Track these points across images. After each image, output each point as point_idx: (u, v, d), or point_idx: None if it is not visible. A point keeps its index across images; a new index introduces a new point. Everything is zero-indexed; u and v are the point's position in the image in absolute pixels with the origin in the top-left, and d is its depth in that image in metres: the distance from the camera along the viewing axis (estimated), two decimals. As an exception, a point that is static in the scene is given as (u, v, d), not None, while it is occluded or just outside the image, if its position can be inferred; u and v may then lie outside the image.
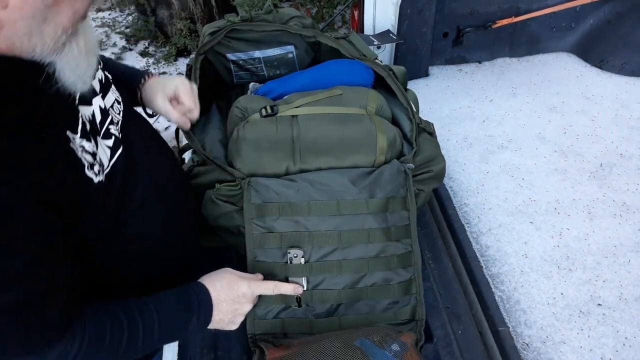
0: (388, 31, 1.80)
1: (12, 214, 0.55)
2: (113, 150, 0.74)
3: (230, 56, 1.35)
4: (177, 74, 3.69)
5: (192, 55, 1.34)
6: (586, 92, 1.83)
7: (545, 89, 1.86)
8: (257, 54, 1.36)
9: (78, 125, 0.66)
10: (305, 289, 1.00)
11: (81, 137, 0.66)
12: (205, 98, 1.33)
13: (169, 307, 0.79)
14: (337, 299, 1.02)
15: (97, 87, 0.76)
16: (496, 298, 1.16)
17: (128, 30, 4.12)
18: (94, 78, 0.74)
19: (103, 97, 0.76)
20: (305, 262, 1.01)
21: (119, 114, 0.80)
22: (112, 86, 0.81)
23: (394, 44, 1.82)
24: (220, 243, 1.14)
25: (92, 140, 0.69)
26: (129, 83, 1.02)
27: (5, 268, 0.56)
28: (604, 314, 1.14)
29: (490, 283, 1.19)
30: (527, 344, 1.09)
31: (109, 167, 0.72)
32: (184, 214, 0.97)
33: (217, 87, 1.39)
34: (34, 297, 0.60)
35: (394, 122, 1.24)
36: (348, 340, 0.88)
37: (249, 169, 1.06)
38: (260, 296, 1.00)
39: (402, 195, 1.07)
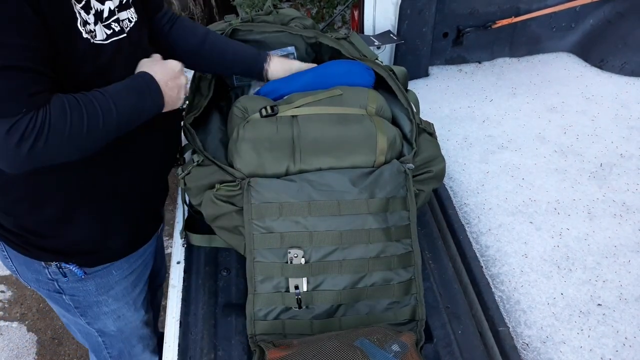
0: (388, 31, 1.80)
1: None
2: (110, 36, 0.88)
3: (230, 57, 1.35)
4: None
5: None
6: (586, 92, 1.83)
7: (545, 89, 1.85)
8: (258, 54, 1.35)
9: None
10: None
11: (82, 7, 0.82)
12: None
13: (121, 92, 0.89)
14: (337, 300, 1.02)
15: (117, 2, 0.91)
16: (496, 298, 1.16)
17: (128, 30, 4.11)
18: None
19: (118, 9, 0.91)
20: (305, 262, 1.01)
21: (126, 28, 0.93)
22: (132, 9, 0.96)
23: (394, 44, 1.82)
24: (220, 244, 1.14)
25: (92, 17, 0.84)
26: (247, 64, 1.26)
27: None
28: (604, 314, 1.15)
29: (490, 283, 1.20)
30: (527, 344, 1.09)
31: (101, 42, 0.86)
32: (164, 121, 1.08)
33: (217, 87, 1.40)
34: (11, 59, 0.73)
35: (394, 122, 1.24)
36: (348, 341, 0.88)
37: (249, 169, 1.06)
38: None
39: (402, 196, 1.07)
